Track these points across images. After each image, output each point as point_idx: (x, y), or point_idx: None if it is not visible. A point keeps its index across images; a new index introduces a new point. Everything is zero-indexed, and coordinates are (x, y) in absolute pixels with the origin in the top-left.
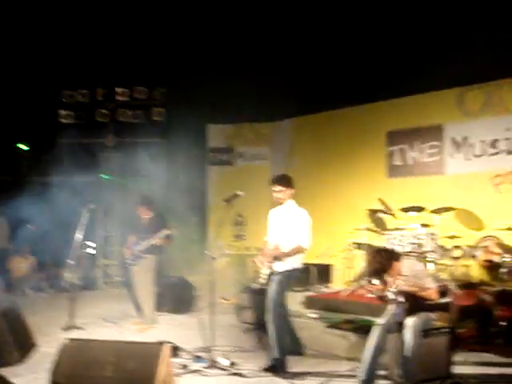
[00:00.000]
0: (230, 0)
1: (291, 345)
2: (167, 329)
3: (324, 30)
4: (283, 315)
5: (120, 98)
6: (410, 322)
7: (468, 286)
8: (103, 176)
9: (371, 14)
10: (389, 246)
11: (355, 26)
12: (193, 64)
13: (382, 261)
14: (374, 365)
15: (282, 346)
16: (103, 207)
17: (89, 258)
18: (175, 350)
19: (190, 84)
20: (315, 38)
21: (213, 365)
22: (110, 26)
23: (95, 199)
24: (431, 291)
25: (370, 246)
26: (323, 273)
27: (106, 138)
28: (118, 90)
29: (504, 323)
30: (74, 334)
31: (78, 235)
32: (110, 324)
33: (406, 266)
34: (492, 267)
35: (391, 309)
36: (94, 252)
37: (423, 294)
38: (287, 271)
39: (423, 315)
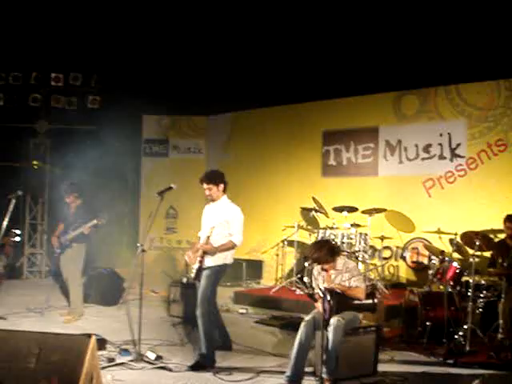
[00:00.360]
0: None
1: (220, 339)
2: (94, 321)
3: (266, 26)
4: (213, 310)
5: (54, 83)
6: (335, 319)
7: (395, 286)
8: (34, 163)
9: (312, 12)
10: None
11: (296, 22)
12: (131, 53)
13: (327, 252)
14: (300, 361)
15: (211, 341)
16: (32, 194)
17: (14, 246)
18: (102, 343)
19: (127, 73)
20: (256, 32)
21: (139, 358)
22: (48, 10)
23: (24, 186)
24: (359, 290)
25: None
26: (254, 268)
27: (38, 124)
28: (53, 74)
29: (429, 323)
30: None
31: (4, 222)
32: (34, 314)
33: (340, 262)
34: (420, 269)
35: (319, 306)
36: (19, 240)
37: (351, 292)
38: (218, 266)
39: (349, 314)
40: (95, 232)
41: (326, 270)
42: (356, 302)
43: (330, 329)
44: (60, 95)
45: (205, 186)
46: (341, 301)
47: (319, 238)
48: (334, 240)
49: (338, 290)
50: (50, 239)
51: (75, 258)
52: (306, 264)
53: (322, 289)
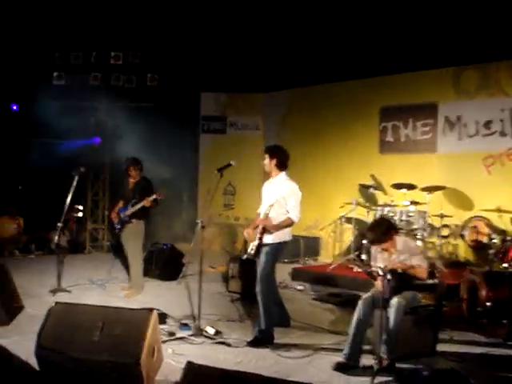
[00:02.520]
0: None
1: (278, 316)
2: (154, 295)
3: (320, 4)
4: (272, 287)
5: (114, 62)
6: (396, 299)
7: (455, 265)
8: (94, 140)
9: None
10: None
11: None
12: (188, 31)
13: (384, 230)
14: (358, 339)
15: (270, 318)
16: (93, 171)
17: (77, 222)
18: (162, 317)
19: (184, 51)
20: (311, 10)
21: (199, 333)
22: None
23: (86, 162)
24: (422, 270)
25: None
26: (311, 245)
27: (98, 101)
28: (112, 53)
29: (489, 304)
30: (61, 297)
31: (68, 198)
32: (97, 287)
33: (400, 242)
34: (479, 247)
35: (378, 284)
36: (81, 215)
37: (414, 272)
38: (277, 243)
39: (410, 293)
40: (155, 207)
41: (385, 250)
42: (417, 281)
43: (392, 310)
44: (119, 73)
45: (264, 157)
46: (402, 280)
47: (377, 216)
48: (392, 218)
49: (400, 270)
50: (110, 215)
51: (135, 233)
52: (364, 242)
53: (382, 267)
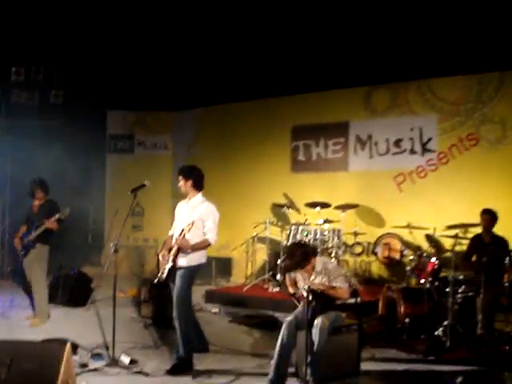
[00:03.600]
0: None
1: (196, 341)
2: (62, 323)
3: (233, 21)
4: (189, 311)
5: (15, 77)
6: (320, 320)
7: (368, 281)
8: None
9: (280, 8)
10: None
11: (264, 16)
12: (94, 47)
13: (301, 255)
14: (283, 363)
15: (189, 344)
16: None
17: None
18: (73, 348)
19: (90, 67)
20: (223, 27)
21: (114, 363)
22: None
23: None
24: (343, 290)
25: (279, 242)
26: (223, 266)
27: None
28: (14, 68)
29: (407, 320)
30: None
31: None
32: None
33: (319, 263)
34: (392, 264)
35: (301, 306)
36: None
37: (334, 293)
38: (192, 266)
39: (332, 313)
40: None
41: (305, 272)
42: (339, 302)
43: (315, 330)
44: (20, 89)
45: (178, 178)
46: (323, 300)
47: (291, 235)
48: (307, 236)
49: (321, 290)
50: (12, 240)
51: (39, 258)
52: (279, 261)
53: (306, 288)
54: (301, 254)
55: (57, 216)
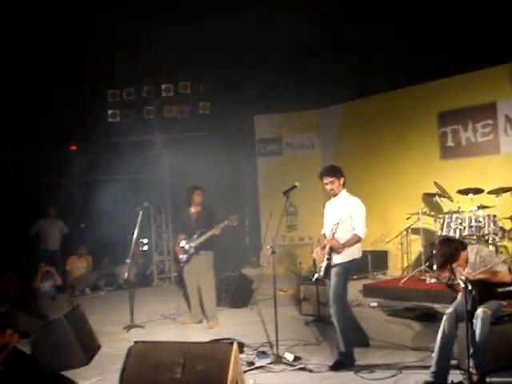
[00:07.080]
0: None
1: (356, 336)
2: (228, 324)
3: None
4: (346, 307)
5: (165, 94)
6: (481, 310)
7: None
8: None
9: None
10: (451, 233)
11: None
12: (235, 55)
13: (449, 251)
14: (445, 356)
15: (349, 339)
16: (154, 204)
17: (143, 255)
18: (239, 347)
19: (234, 76)
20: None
21: (278, 360)
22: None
23: (147, 197)
24: (504, 274)
25: (432, 235)
26: (379, 259)
27: (154, 135)
28: (163, 86)
29: None
30: (136, 333)
31: (134, 234)
32: (168, 321)
33: (471, 253)
34: None
35: (461, 297)
36: (146, 248)
37: (497, 279)
38: (347, 262)
39: (494, 303)
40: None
41: (458, 266)
42: (500, 289)
43: (477, 321)
44: (171, 105)
45: (326, 180)
46: (484, 290)
47: (445, 224)
48: (461, 224)
49: (481, 279)
50: (175, 249)
51: (207, 264)
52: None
53: (463, 279)
54: (447, 252)
55: (226, 223)
